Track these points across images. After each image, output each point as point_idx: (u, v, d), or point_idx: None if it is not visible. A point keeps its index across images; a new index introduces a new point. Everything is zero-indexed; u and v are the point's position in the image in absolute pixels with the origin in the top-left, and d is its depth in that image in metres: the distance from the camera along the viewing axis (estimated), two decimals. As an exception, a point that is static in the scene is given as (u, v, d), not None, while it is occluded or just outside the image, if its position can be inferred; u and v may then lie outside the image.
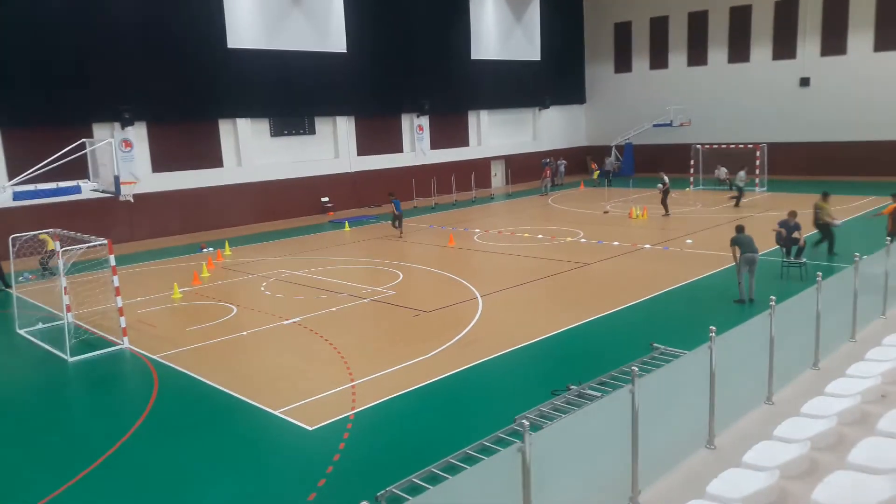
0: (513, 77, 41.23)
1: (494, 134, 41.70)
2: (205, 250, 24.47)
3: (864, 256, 10.93)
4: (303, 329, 14.56)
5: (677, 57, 42.17)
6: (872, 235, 19.04)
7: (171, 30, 27.44)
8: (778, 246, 17.38)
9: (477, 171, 38.83)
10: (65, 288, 13.95)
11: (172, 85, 27.61)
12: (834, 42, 36.24)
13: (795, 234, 16.78)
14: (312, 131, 33.19)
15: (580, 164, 44.54)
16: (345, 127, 34.05)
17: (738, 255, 14.78)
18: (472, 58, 39.00)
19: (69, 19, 25.00)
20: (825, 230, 18.74)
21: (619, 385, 9.47)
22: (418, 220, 29.63)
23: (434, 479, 7.87)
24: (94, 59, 25.67)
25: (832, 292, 9.93)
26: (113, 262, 13.95)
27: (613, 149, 42.94)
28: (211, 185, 29.60)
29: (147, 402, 11.16)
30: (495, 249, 22.34)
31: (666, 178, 27.32)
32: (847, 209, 24.72)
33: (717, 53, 40.54)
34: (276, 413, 10.34)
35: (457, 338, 13.42)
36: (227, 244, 24.90)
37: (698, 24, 41.04)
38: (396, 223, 26.05)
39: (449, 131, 38.98)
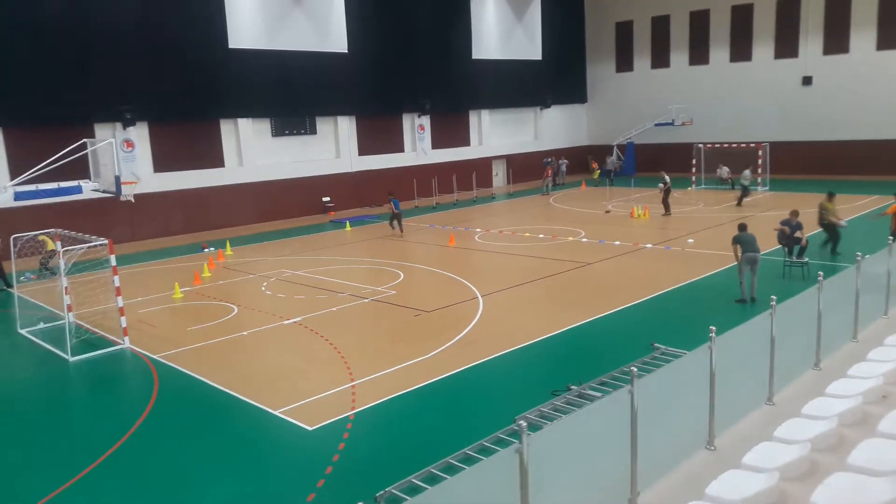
0: (514, 76, 41.19)
1: (496, 133, 41.65)
2: (206, 250, 24.49)
3: (867, 256, 10.90)
4: (303, 329, 14.56)
5: (679, 56, 42.08)
6: (875, 235, 18.99)
7: (173, 30, 27.46)
8: (780, 245, 17.35)
9: (478, 171, 38.81)
10: (66, 288, 13.96)
11: (174, 85, 27.64)
12: (836, 40, 36.12)
13: (798, 234, 16.76)
14: (313, 131, 33.20)
15: (581, 163, 44.51)
16: (346, 127, 34.05)
17: (739, 254, 14.75)
18: (473, 57, 38.96)
19: (70, 19, 25.03)
20: (831, 230, 18.69)
21: (620, 385, 9.41)
22: (419, 219, 29.63)
23: (433, 480, 7.85)
24: (96, 60, 25.70)
25: (834, 292, 9.91)
26: (114, 262, 13.96)
27: (615, 148, 42.89)
28: (212, 185, 29.62)
29: (147, 402, 11.17)
30: (496, 249, 22.32)
31: (667, 178, 27.24)
32: (850, 208, 24.64)
33: (719, 52, 40.43)
34: (275, 413, 10.34)
35: (457, 338, 13.40)
36: (228, 244, 24.92)
37: (700, 23, 40.95)
38: (395, 222, 26.07)
39: (450, 131, 38.95)
